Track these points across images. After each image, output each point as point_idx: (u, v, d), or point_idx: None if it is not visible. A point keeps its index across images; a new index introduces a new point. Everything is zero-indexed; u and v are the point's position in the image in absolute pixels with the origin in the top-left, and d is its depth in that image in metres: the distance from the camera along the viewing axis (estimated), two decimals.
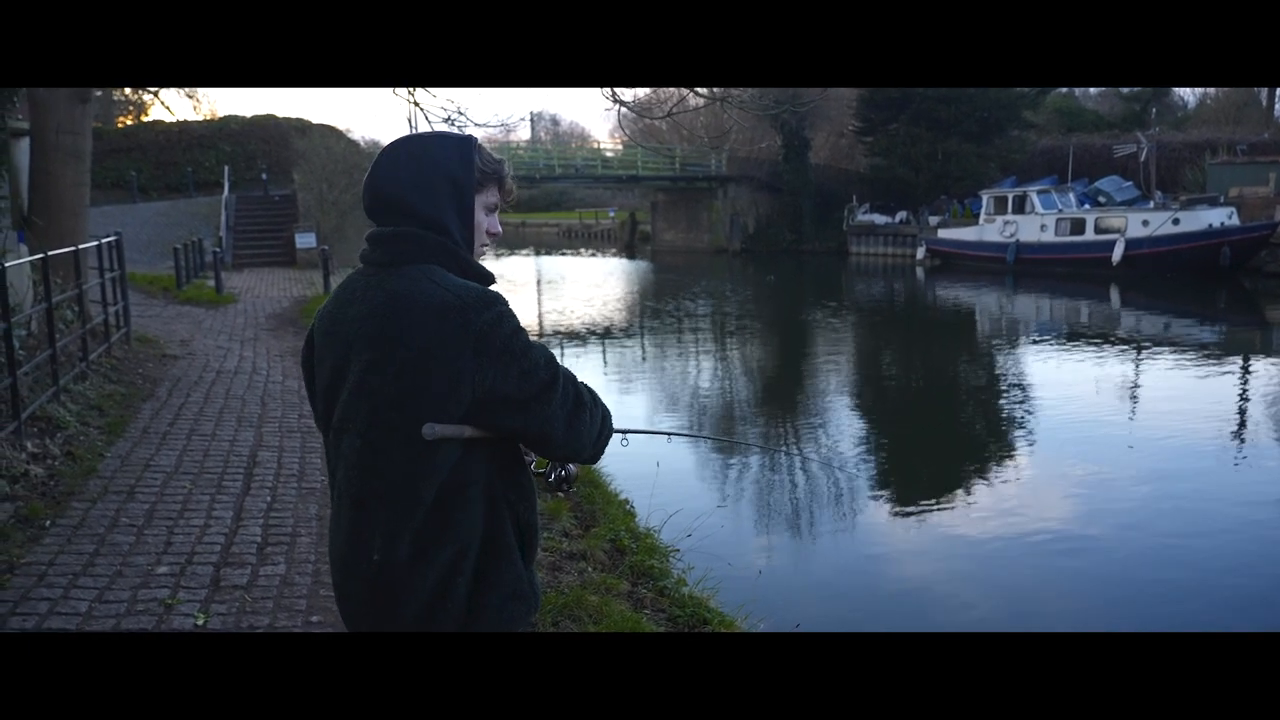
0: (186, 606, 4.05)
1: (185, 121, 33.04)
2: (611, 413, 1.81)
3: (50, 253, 7.57)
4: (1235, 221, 25.02)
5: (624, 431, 2.10)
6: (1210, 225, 24.87)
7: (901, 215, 36.27)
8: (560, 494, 1.97)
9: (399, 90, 9.25)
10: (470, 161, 1.71)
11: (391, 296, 1.62)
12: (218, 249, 18.93)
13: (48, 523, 4.97)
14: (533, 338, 1.65)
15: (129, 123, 35.24)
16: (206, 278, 18.66)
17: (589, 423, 1.71)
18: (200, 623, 3.93)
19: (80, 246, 8.73)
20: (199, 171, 29.05)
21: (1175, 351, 15.85)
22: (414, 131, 2.01)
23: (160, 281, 17.55)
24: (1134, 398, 12.35)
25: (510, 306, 1.64)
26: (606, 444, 1.81)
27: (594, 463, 1.85)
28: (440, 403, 1.59)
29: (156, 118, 34.51)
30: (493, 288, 1.72)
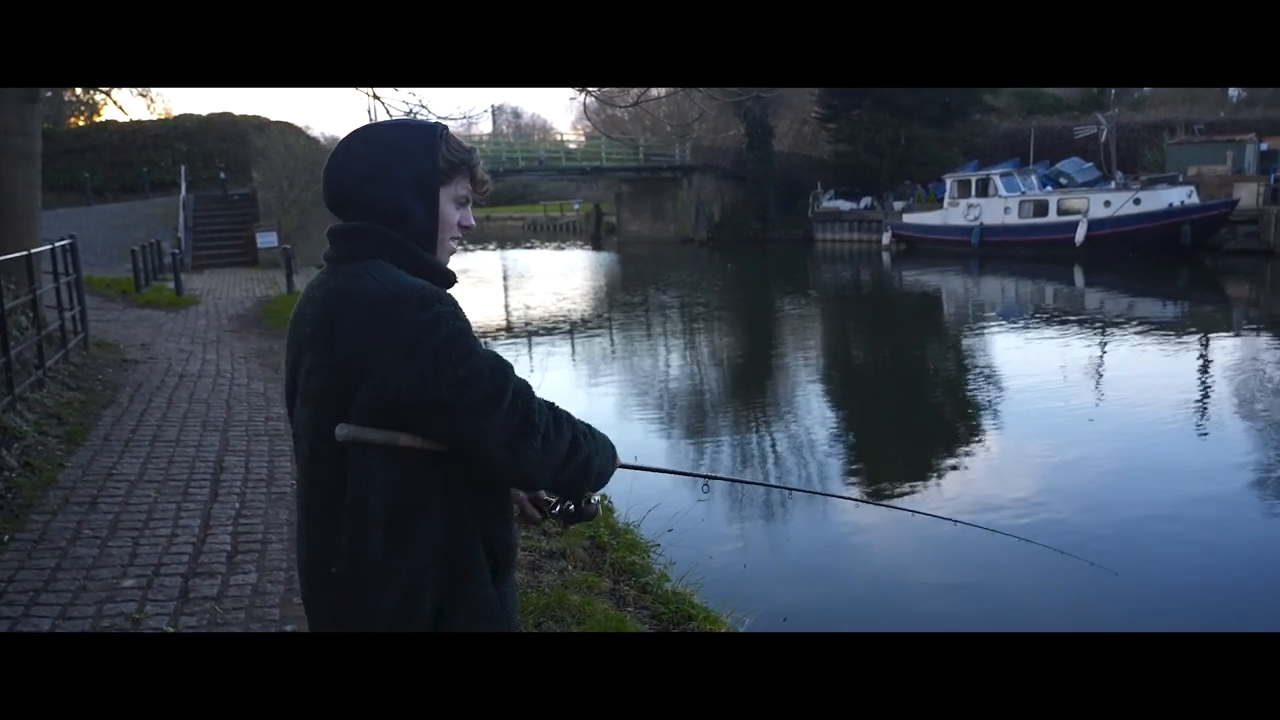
0: (155, 620, 3.92)
1: (139, 121, 32.41)
2: (610, 445, 1.68)
3: (1, 257, 7.33)
4: (1195, 200, 25.38)
5: (707, 477, 2.11)
6: (1171, 204, 25.22)
7: (866, 201, 36.45)
8: (566, 526, 1.84)
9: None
10: (434, 151, 1.60)
11: (332, 294, 1.54)
12: (177, 250, 18.54)
13: (6, 538, 4.79)
14: (487, 344, 1.53)
15: (81, 123, 34.47)
16: (166, 280, 18.29)
17: (541, 448, 1.51)
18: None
19: (33, 250, 8.48)
20: (155, 172, 28.50)
21: (1139, 330, 16.05)
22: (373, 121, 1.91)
23: (118, 285, 17.17)
24: (1099, 377, 12.47)
25: (455, 307, 1.51)
26: (585, 477, 1.62)
27: (568, 493, 1.71)
28: (374, 407, 1.49)
29: (110, 118, 33.85)
30: (452, 286, 1.64)
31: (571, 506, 1.76)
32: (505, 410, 1.47)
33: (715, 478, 1.90)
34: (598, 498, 1.80)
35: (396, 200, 1.59)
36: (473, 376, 1.46)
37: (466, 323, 1.51)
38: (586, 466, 1.61)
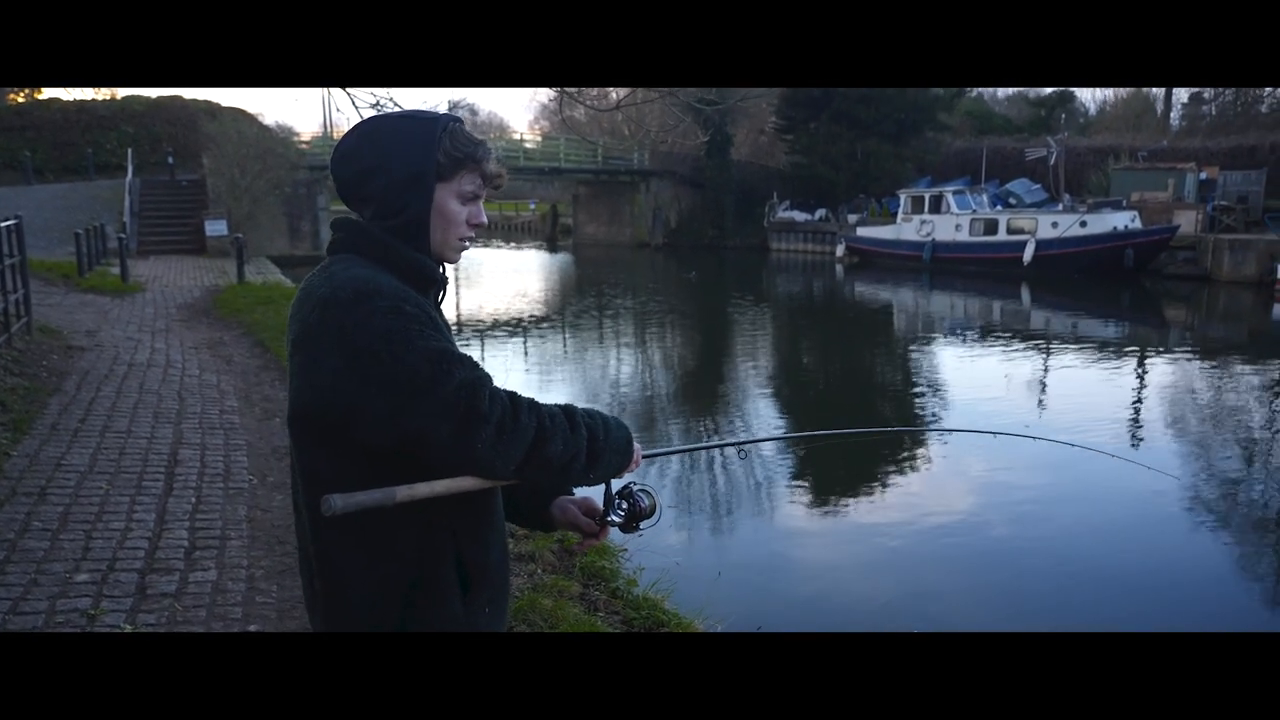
0: (111, 617, 3.80)
1: (84, 101, 31.49)
2: (618, 431, 1.59)
3: None
4: (1138, 225, 26.11)
5: (733, 444, 2.14)
6: (1115, 228, 25.90)
7: (821, 213, 36.87)
8: (636, 529, 1.77)
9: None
10: (431, 146, 1.57)
11: (299, 293, 1.54)
12: (122, 235, 18.03)
13: None
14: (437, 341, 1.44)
15: (21, 100, 33.33)
16: (110, 265, 17.80)
17: (493, 439, 1.41)
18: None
19: None
20: (99, 153, 27.75)
21: (1082, 349, 16.47)
22: (384, 113, 1.87)
23: (60, 268, 16.62)
24: (1042, 393, 12.75)
25: (397, 302, 1.44)
26: (560, 468, 1.50)
27: (547, 485, 1.69)
28: (321, 413, 1.46)
29: (52, 95, 32.76)
30: (433, 282, 1.61)
31: (624, 506, 1.71)
32: (443, 402, 1.39)
33: (742, 442, 1.87)
34: (648, 493, 1.74)
35: (392, 194, 1.58)
36: (402, 374, 1.39)
37: (408, 318, 1.43)
38: (564, 456, 1.49)
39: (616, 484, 1.70)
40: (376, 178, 1.58)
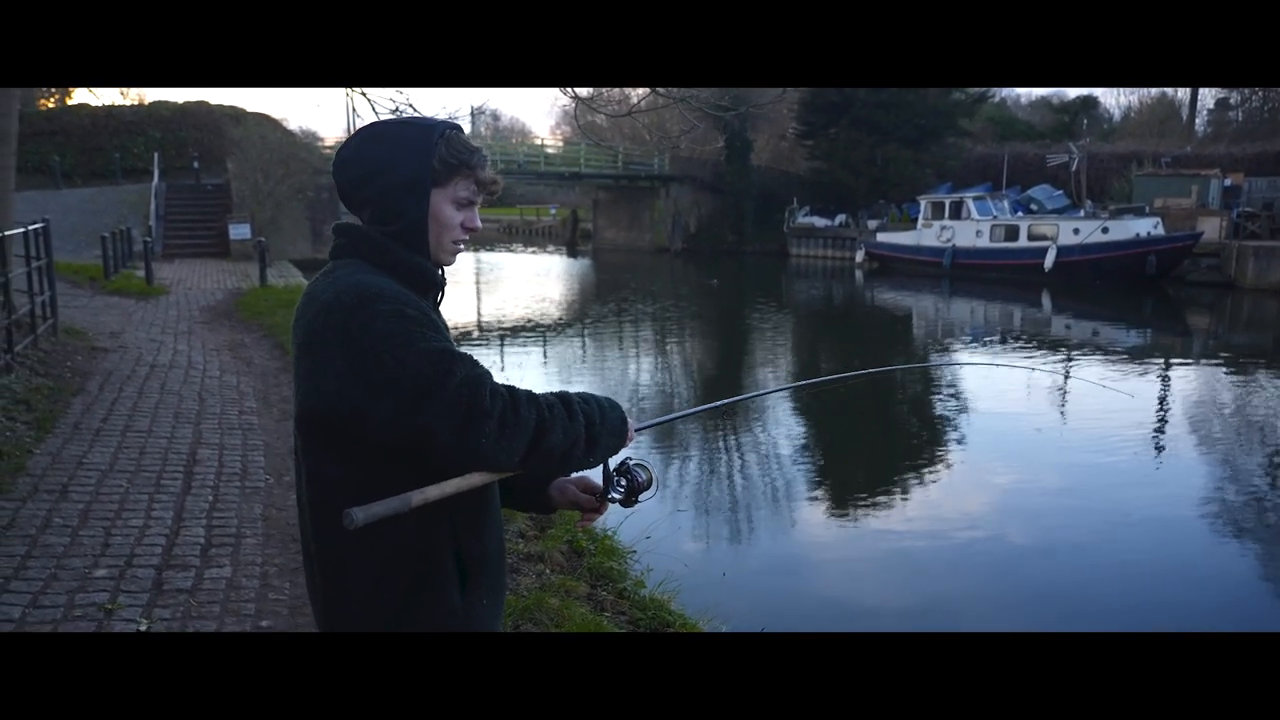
0: (128, 611, 3.88)
1: (112, 106, 31.96)
2: (613, 413, 1.64)
3: None
4: (1160, 231, 25.87)
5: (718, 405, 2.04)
6: (1138, 235, 25.66)
7: (841, 218, 36.81)
8: (635, 503, 1.82)
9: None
10: (428, 151, 1.61)
11: (303, 298, 1.59)
12: (147, 238, 18.31)
13: None
14: (438, 342, 1.47)
15: (51, 105, 33.86)
16: (135, 268, 18.05)
17: (496, 433, 1.45)
18: (144, 629, 3.76)
19: (5, 233, 8.35)
20: (127, 158, 28.12)
21: (1103, 356, 16.35)
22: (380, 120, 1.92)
23: (86, 271, 16.90)
24: (1063, 401, 12.67)
25: (398, 305, 1.48)
26: (561, 456, 1.55)
27: (548, 473, 1.74)
28: (327, 416, 1.51)
29: (81, 100, 33.27)
30: (433, 285, 1.66)
31: (623, 483, 1.75)
32: (446, 401, 1.43)
33: (728, 402, 1.91)
34: (644, 467, 1.78)
35: (389, 199, 1.62)
36: (406, 375, 1.43)
37: (409, 320, 1.48)
38: (564, 444, 1.54)
39: (613, 461, 1.75)
40: (374, 182, 1.63)
